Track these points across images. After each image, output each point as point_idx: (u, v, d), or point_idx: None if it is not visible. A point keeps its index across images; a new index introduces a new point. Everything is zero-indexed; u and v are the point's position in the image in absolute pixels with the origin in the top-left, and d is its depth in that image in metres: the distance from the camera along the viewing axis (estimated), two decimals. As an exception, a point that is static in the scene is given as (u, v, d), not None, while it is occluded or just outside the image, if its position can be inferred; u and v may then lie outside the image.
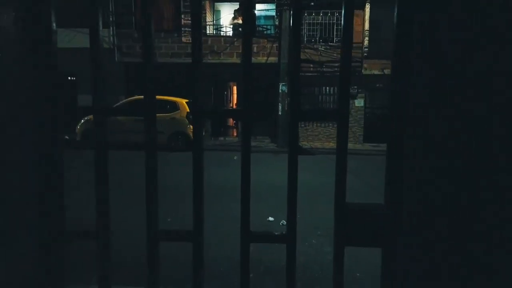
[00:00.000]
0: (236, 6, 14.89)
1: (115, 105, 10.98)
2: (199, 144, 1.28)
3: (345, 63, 1.17)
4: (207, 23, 14.77)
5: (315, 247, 4.02)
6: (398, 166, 1.11)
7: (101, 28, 1.24)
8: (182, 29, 14.29)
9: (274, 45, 14.11)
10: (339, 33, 14.59)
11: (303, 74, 14.03)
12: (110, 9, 14.14)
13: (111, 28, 14.08)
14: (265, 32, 14.92)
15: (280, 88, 13.17)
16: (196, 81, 1.26)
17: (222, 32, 15.41)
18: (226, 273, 3.26)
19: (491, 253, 0.92)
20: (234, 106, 18.62)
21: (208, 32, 14.80)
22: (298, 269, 3.25)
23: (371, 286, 3.01)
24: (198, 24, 1.24)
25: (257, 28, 14.93)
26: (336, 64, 13.73)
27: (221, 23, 16.28)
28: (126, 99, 12.20)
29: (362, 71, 14.46)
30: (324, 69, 14.27)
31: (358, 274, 3.31)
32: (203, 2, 14.34)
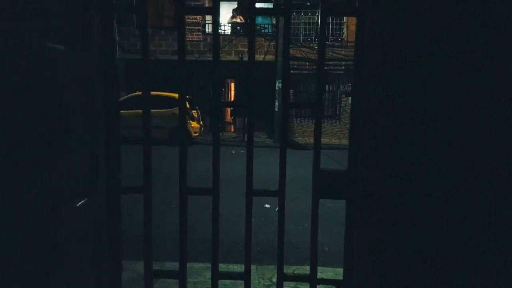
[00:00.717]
0: (234, 5, 15.28)
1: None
2: (216, 131, 1.73)
3: (320, 62, 1.62)
4: (206, 22, 15.15)
5: (307, 230, 4.48)
6: (355, 140, 1.56)
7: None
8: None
9: (271, 44, 14.54)
10: (334, 32, 15.07)
11: (299, 72, 14.50)
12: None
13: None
14: (262, 31, 15.31)
15: (276, 85, 13.62)
16: (218, 81, 1.71)
17: (220, 31, 15.80)
18: (226, 250, 3.71)
19: (434, 208, 1.19)
20: (232, 103, 19.02)
21: (207, 30, 15.18)
22: (290, 248, 3.69)
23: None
24: (216, 28, 1.65)
25: (255, 27, 15.27)
26: (331, 62, 14.19)
27: (220, 22, 16.62)
28: (128, 95, 12.60)
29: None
30: (320, 67, 14.66)
31: (326, 249, 3.79)
32: (203, 2, 14.75)
